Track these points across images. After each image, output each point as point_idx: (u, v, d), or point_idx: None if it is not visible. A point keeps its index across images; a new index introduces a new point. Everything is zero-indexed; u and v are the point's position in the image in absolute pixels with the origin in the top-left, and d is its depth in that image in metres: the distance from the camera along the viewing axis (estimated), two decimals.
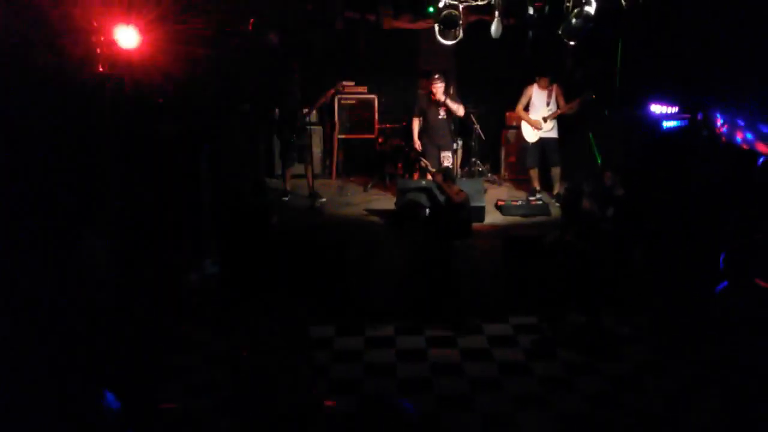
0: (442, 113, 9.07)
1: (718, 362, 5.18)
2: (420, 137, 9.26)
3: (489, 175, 10.60)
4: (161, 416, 5.69)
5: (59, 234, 5.55)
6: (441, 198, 7.78)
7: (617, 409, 5.92)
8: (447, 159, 9.17)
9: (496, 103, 10.55)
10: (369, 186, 10.16)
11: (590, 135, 9.12)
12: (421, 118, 9.24)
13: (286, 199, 9.62)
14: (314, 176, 9.86)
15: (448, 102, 8.94)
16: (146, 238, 6.90)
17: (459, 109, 9.03)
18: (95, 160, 6.14)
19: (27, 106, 5.21)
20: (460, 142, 10.12)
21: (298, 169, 9.88)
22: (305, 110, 9.42)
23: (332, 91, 9.51)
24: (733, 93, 7.55)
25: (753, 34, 7.02)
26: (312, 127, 10.03)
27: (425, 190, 8.53)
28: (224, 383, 6.00)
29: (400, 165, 10.14)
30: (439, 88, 8.92)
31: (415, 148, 9.39)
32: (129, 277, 6.58)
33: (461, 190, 7.53)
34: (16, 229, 5.08)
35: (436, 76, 8.98)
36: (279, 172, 10.33)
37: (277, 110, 9.72)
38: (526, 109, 9.39)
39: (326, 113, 10.70)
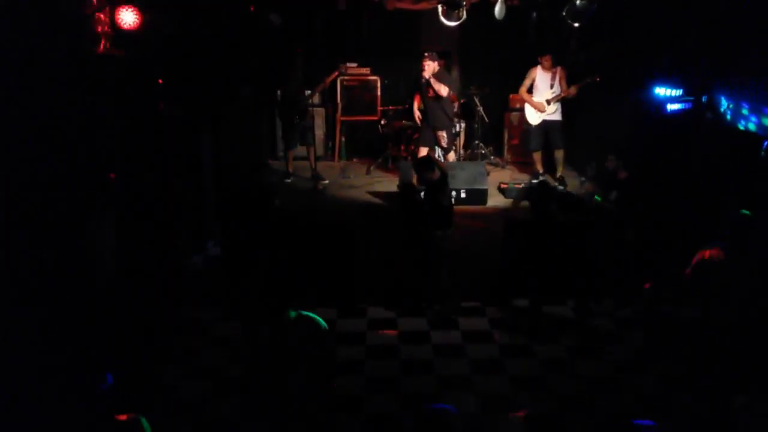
0: (432, 93, 8.94)
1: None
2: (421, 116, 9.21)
3: (492, 157, 10.58)
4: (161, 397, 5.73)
5: (66, 215, 5.55)
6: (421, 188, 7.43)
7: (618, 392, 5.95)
8: (443, 139, 9.06)
9: (499, 86, 10.49)
10: (371, 168, 10.15)
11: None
12: (419, 97, 9.18)
13: (289, 180, 9.63)
14: (317, 158, 9.86)
15: (432, 81, 8.76)
16: (148, 219, 6.90)
17: (441, 90, 8.78)
18: (98, 142, 6.13)
19: (28, 88, 5.20)
20: (462, 125, 10.09)
21: (301, 151, 9.87)
22: (307, 92, 9.39)
23: (336, 73, 9.47)
24: (738, 76, 7.51)
25: (757, 16, 6.97)
26: (314, 108, 10.01)
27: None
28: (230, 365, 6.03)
29: (402, 147, 10.11)
30: (427, 67, 8.77)
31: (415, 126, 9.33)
32: (132, 258, 6.59)
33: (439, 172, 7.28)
34: (23, 210, 5.09)
35: (426, 55, 8.84)
36: (281, 153, 10.33)
37: (279, 92, 9.69)
38: (530, 91, 9.34)
39: (328, 95, 10.67)
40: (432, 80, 8.77)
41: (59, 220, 5.46)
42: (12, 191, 4.96)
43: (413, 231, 7.12)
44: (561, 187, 9.39)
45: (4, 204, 4.90)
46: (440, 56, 10.54)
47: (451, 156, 9.36)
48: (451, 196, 7.14)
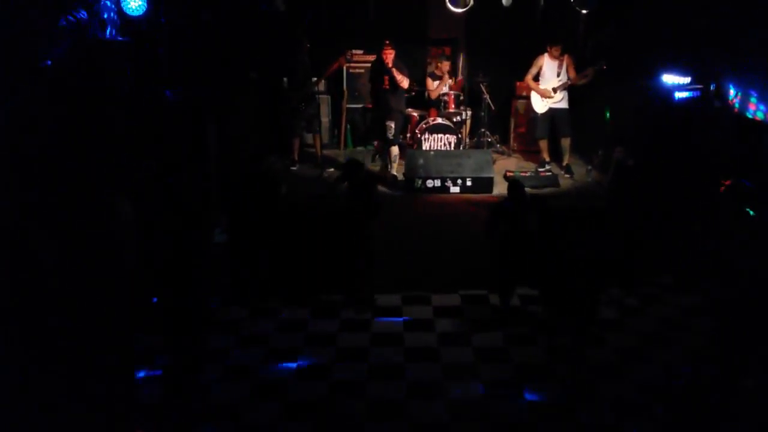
0: (387, 82, 8.90)
1: None
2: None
3: (498, 145, 10.54)
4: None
5: (90, 199, 5.54)
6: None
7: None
8: (390, 130, 9.04)
9: (506, 73, 10.43)
10: (376, 156, 10.13)
11: (606, 110, 8.96)
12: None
13: (294, 168, 9.61)
14: (322, 146, 9.83)
15: (394, 71, 8.81)
16: (153, 208, 6.90)
17: (404, 81, 8.87)
18: (103, 128, 6.13)
19: (32, 76, 5.20)
20: (469, 112, 10.06)
21: (307, 138, 9.84)
22: (314, 79, 9.36)
23: (342, 60, 9.43)
24: (747, 64, 7.45)
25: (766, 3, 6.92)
26: (320, 96, 9.97)
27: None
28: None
29: (408, 135, 10.09)
30: (389, 55, 8.80)
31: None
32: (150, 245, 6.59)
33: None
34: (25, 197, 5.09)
35: (387, 42, 8.85)
36: (287, 141, 10.30)
37: (285, 79, 9.66)
38: (536, 79, 9.29)
39: (334, 82, 10.62)
40: (394, 70, 8.81)
41: (63, 207, 5.46)
42: (18, 182, 4.97)
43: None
44: (568, 175, 9.37)
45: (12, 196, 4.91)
46: (446, 43, 10.54)
47: (395, 150, 9.25)
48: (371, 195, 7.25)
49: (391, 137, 9.08)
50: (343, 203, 7.29)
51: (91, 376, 5.05)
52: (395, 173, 9.25)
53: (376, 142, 10.07)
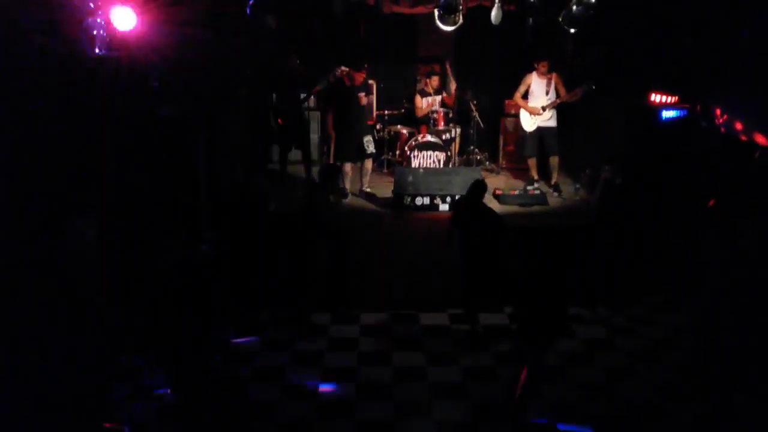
0: (364, 100, 9.25)
1: None
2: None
3: (487, 163, 10.56)
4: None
5: (47, 219, 5.51)
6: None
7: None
8: (371, 144, 9.32)
9: (495, 91, 10.48)
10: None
11: None
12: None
13: (284, 184, 9.56)
14: (312, 162, 9.82)
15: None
16: (141, 223, 6.85)
17: (363, 97, 9.22)
18: (90, 144, 6.09)
19: (22, 88, 5.16)
20: (458, 130, 10.09)
21: (295, 154, 9.81)
22: (302, 95, 9.36)
23: (330, 77, 9.43)
24: (733, 83, 7.53)
25: (755, 25, 7.00)
26: (309, 112, 9.96)
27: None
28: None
29: (398, 151, 10.09)
30: (362, 76, 9.18)
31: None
32: (121, 264, 6.54)
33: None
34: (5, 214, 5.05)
35: (366, 66, 9.24)
36: (276, 157, 10.28)
37: (275, 95, 9.65)
38: (525, 97, 9.33)
39: (324, 99, 10.61)
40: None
41: (40, 222, 5.41)
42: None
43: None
44: (556, 194, 9.40)
45: None
46: (435, 61, 10.58)
47: (370, 163, 9.47)
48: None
49: (370, 152, 9.24)
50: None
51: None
52: (368, 189, 9.43)
53: (386, 153, 10.33)
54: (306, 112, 9.53)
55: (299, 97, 9.35)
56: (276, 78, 9.44)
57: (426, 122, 10.02)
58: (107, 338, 6.02)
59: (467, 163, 10.20)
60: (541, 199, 9.16)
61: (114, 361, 6.15)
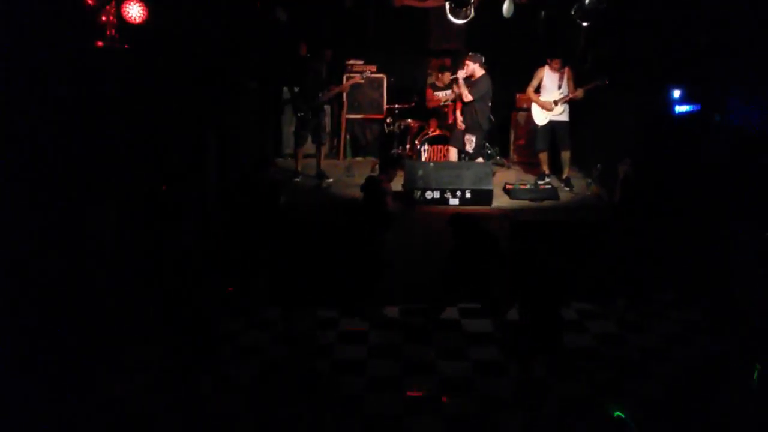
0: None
1: None
2: None
3: (498, 158, 10.50)
4: None
5: (65, 208, 5.53)
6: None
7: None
8: (470, 143, 9.14)
9: (506, 85, 10.41)
10: (376, 167, 10.09)
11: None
12: None
13: (298, 179, 9.52)
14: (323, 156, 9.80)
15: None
16: (152, 215, 6.87)
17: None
18: (101, 134, 6.10)
19: (33, 79, 5.17)
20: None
21: (309, 149, 9.79)
22: (322, 92, 9.29)
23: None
24: (748, 78, 7.45)
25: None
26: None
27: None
28: None
29: (408, 146, 10.05)
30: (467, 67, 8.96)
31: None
32: (135, 255, 6.56)
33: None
34: (22, 203, 5.07)
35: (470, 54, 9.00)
36: (289, 151, 10.25)
37: (296, 88, 9.59)
38: (537, 91, 9.27)
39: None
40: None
41: (58, 214, 5.43)
42: (13, 185, 4.94)
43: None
44: (567, 188, 9.34)
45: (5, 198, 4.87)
46: (446, 54, 10.49)
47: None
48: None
49: (471, 151, 9.12)
50: (357, 215, 7.32)
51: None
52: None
53: (396, 147, 10.19)
54: (324, 107, 9.49)
55: (321, 91, 9.28)
56: (288, 72, 9.39)
57: (437, 116, 9.97)
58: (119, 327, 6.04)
59: None
60: (552, 193, 9.10)
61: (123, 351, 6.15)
